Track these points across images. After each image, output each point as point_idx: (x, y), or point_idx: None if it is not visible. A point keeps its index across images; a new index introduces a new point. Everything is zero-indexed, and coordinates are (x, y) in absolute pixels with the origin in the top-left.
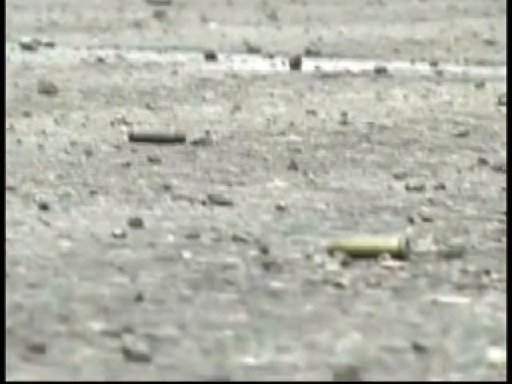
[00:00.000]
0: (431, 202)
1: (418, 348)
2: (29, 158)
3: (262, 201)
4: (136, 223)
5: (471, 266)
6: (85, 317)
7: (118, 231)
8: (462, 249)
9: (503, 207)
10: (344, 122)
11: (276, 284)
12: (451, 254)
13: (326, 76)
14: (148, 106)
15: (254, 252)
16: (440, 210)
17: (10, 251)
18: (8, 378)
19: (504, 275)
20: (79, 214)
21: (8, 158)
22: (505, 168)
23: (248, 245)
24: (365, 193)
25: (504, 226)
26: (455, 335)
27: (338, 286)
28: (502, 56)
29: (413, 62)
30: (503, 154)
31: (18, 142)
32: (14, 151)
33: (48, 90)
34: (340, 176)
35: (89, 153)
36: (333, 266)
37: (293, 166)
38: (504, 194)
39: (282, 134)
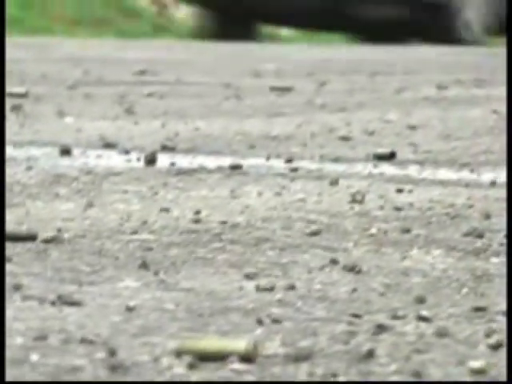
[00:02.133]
0: (281, 302)
1: None
2: None
3: (111, 301)
4: None
5: (318, 368)
6: None
7: None
8: (309, 351)
9: (353, 308)
10: (197, 221)
11: None
12: (298, 357)
13: (180, 172)
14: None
15: (101, 354)
16: (289, 311)
17: None
18: None
19: (352, 378)
20: None
21: None
22: (357, 269)
23: (96, 346)
24: (215, 293)
25: (353, 328)
26: None
27: None
28: (357, 152)
29: (268, 158)
30: (355, 253)
31: None
32: None
33: None
34: (191, 275)
35: None
36: (180, 369)
37: (144, 266)
38: (354, 295)
39: (135, 232)
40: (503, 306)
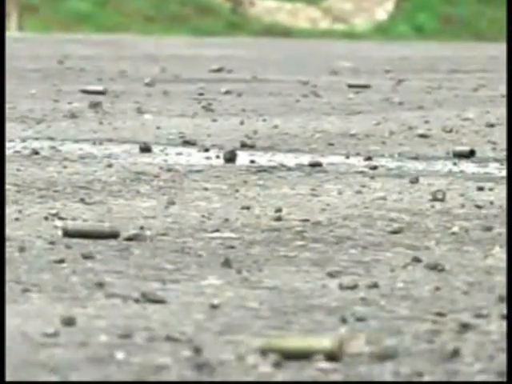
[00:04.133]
0: (364, 301)
1: None
2: None
3: (195, 299)
4: (68, 322)
5: (404, 368)
6: None
7: (49, 330)
8: (394, 350)
9: (436, 307)
10: (278, 219)
11: None
12: (384, 356)
13: (260, 170)
14: (82, 201)
15: (186, 352)
16: (373, 309)
17: None
18: None
19: (438, 377)
20: (10, 312)
21: None
22: (439, 267)
23: (181, 345)
24: (298, 291)
25: (437, 327)
26: None
27: None
28: (436, 150)
29: (347, 156)
30: (437, 251)
31: None
32: None
33: None
34: (274, 274)
35: (22, 249)
36: (265, 367)
37: (227, 263)
38: (437, 294)
39: (217, 230)
40: None
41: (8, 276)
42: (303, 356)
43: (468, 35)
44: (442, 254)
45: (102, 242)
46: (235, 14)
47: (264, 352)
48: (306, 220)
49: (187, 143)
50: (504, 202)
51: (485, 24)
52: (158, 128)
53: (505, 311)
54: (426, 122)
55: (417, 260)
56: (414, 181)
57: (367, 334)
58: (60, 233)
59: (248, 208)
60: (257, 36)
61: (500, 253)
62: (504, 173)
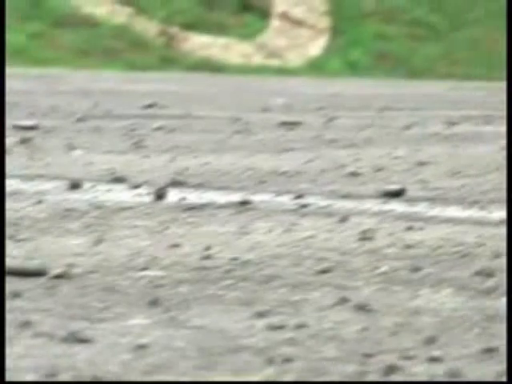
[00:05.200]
0: (292, 341)
1: None
2: None
3: (122, 338)
4: None
5: None
6: None
7: None
8: None
9: (364, 348)
10: (207, 257)
11: None
12: None
13: (190, 208)
14: (11, 238)
15: None
16: (300, 350)
17: None
18: None
19: None
20: None
21: None
22: (367, 308)
23: None
24: (226, 331)
25: (364, 368)
26: None
27: None
28: (367, 189)
29: (277, 194)
30: (365, 291)
31: None
32: None
33: None
34: (202, 313)
35: None
36: None
37: (154, 303)
38: (365, 334)
39: (145, 268)
40: None
41: None
42: None
43: (401, 72)
44: (370, 294)
45: (29, 280)
46: (168, 49)
47: None
48: (235, 258)
49: (117, 180)
50: (434, 243)
51: (418, 61)
52: (89, 164)
53: (432, 352)
54: (357, 159)
55: (345, 300)
56: (344, 219)
57: (294, 375)
58: None
59: (177, 246)
60: (190, 71)
61: (428, 293)
62: (434, 212)
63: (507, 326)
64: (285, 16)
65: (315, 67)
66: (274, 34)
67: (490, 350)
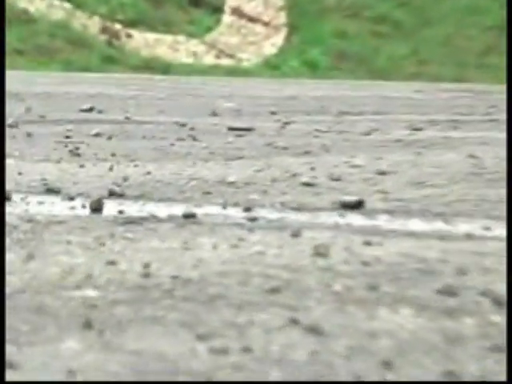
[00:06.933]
0: (235, 366)
1: None
2: None
3: (52, 363)
4: None
5: None
6: None
7: None
8: None
9: (313, 373)
10: (146, 275)
11: None
12: None
13: (129, 221)
14: None
15: None
16: (245, 375)
17: None
18: None
19: None
20: None
21: None
22: (319, 329)
23: None
24: (165, 355)
25: None
26: None
27: None
28: (322, 200)
29: (225, 206)
30: (317, 312)
31: None
32: None
33: None
34: (139, 336)
35: None
36: None
37: (88, 325)
38: (315, 358)
39: (78, 287)
40: (475, 370)
41: None
42: None
43: (363, 73)
44: (322, 314)
45: None
46: (110, 48)
47: None
48: (176, 277)
49: (50, 191)
50: (393, 259)
51: (383, 61)
52: (20, 174)
53: (387, 377)
54: (312, 168)
55: (295, 321)
56: (296, 234)
57: None
58: None
59: (113, 263)
60: (134, 71)
61: (385, 314)
62: (394, 225)
63: (507, 322)
64: (238, 11)
65: (271, 67)
66: (225, 31)
67: (449, 374)
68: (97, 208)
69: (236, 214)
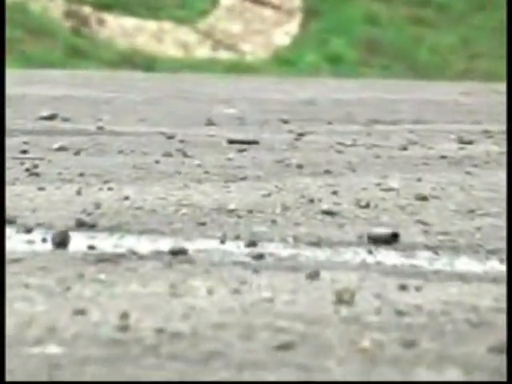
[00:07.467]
0: None
1: None
2: None
3: None
4: None
5: None
6: None
7: None
8: None
9: None
10: (124, 328)
11: None
12: None
13: (102, 260)
14: None
15: None
16: None
17: None
18: None
19: None
20: None
21: None
22: None
23: None
24: None
25: None
26: None
27: None
28: (346, 232)
29: (223, 240)
30: (338, 373)
31: None
32: None
33: None
34: None
35: None
36: None
37: None
38: None
39: (39, 342)
40: None
41: None
42: None
43: (399, 69)
44: (344, 376)
45: None
46: (78, 37)
47: None
48: (161, 329)
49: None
50: (435, 308)
51: (424, 55)
52: None
53: None
54: (334, 192)
55: None
56: (313, 276)
57: None
58: None
59: (82, 313)
60: (107, 67)
61: (426, 376)
62: (437, 265)
63: (507, 322)
64: None
65: (282, 62)
66: (224, 17)
67: None
68: (61, 242)
69: (237, 249)
